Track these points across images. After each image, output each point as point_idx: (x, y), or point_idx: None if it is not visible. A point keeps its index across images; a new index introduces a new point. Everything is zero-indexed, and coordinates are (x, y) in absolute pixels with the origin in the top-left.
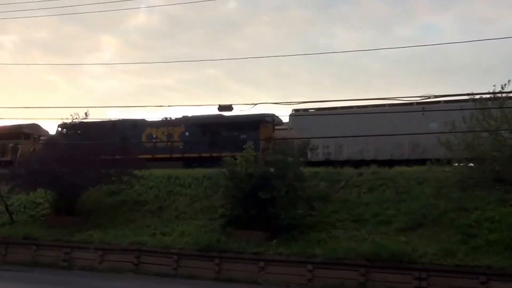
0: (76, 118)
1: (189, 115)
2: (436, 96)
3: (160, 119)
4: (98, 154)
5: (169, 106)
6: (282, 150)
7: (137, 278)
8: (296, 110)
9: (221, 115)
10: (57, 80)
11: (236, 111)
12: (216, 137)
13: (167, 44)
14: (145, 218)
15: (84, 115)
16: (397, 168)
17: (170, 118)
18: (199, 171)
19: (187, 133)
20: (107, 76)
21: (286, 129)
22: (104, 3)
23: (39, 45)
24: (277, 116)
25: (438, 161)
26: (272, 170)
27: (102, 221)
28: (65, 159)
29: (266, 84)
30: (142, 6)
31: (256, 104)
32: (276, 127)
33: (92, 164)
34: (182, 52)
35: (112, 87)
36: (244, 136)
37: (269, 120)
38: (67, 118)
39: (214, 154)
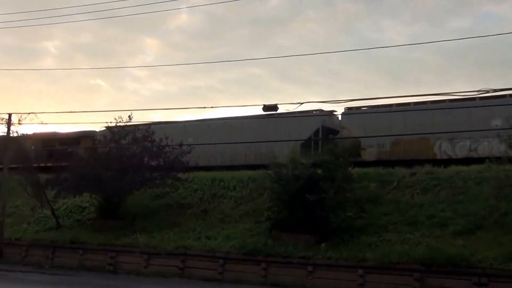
0: (120, 122)
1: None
2: (495, 90)
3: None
4: (141, 157)
5: (212, 107)
6: (330, 150)
7: (183, 282)
8: (349, 108)
9: (55, 133)
10: (101, 84)
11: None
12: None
13: (210, 44)
14: (190, 221)
15: (128, 119)
16: (453, 168)
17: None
18: (243, 173)
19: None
20: (150, 79)
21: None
22: (145, 5)
23: (82, 50)
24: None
25: (498, 159)
26: (319, 171)
27: (147, 224)
28: (109, 163)
29: (313, 82)
30: (184, 7)
31: (301, 103)
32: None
33: (136, 167)
34: (225, 51)
35: (156, 89)
36: (70, 148)
37: (89, 135)
38: (111, 122)
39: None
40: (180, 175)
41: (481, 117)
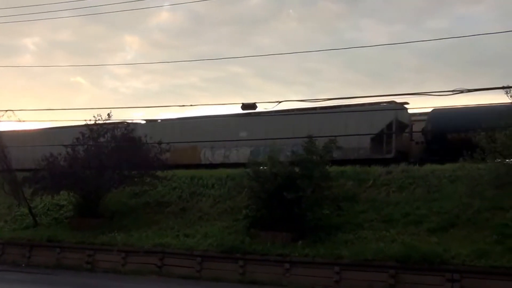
0: (99, 120)
1: None
2: (469, 90)
3: None
4: (120, 155)
5: (191, 105)
6: (307, 149)
7: (160, 280)
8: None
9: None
10: (81, 81)
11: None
12: None
13: (191, 42)
14: (168, 219)
15: (107, 116)
16: (428, 166)
17: None
18: (222, 171)
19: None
20: (131, 76)
21: None
22: (126, 3)
23: (62, 47)
24: None
25: (471, 158)
26: (297, 169)
27: (125, 223)
28: (87, 161)
29: (293, 81)
30: (165, 4)
31: (280, 102)
32: None
33: (115, 165)
34: (206, 50)
35: (136, 87)
36: None
37: None
38: (90, 120)
39: None
40: (159, 173)
41: (234, 129)
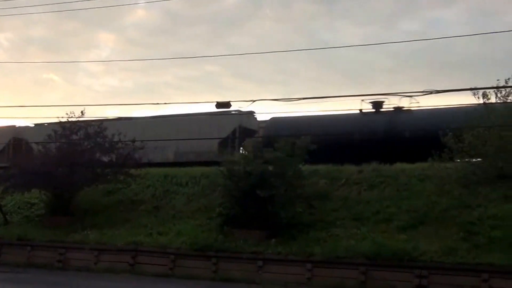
0: (72, 117)
1: None
2: (438, 91)
3: None
4: (93, 153)
5: (165, 103)
6: (281, 147)
7: (133, 278)
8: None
9: None
10: (55, 78)
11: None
12: None
13: (166, 40)
14: (142, 217)
15: (81, 114)
16: (399, 165)
17: None
18: (196, 170)
19: None
20: (105, 74)
21: None
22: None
23: (35, 43)
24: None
25: (440, 157)
26: (270, 168)
27: (98, 221)
28: (59, 159)
29: (269, 80)
30: (141, 2)
31: (254, 101)
32: None
33: (87, 163)
34: (182, 48)
35: (110, 84)
36: None
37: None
38: (62, 117)
39: None
40: (132, 171)
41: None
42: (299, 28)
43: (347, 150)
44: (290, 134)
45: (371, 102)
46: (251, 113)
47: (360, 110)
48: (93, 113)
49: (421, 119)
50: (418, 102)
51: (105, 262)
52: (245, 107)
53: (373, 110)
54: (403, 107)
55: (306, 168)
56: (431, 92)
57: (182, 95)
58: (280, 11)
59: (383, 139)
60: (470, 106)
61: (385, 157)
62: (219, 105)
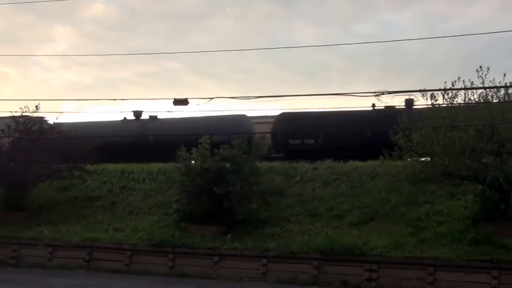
0: (26, 112)
1: None
2: (389, 92)
3: None
4: (48, 148)
5: (122, 99)
6: (238, 145)
7: (88, 274)
8: None
9: None
10: (9, 71)
11: (192, 105)
12: None
13: (126, 36)
14: (98, 213)
15: (35, 108)
16: (351, 163)
17: None
18: (153, 166)
19: None
20: (62, 68)
21: None
22: None
23: None
24: None
25: (390, 156)
26: (227, 165)
27: (52, 217)
28: (13, 154)
29: (227, 78)
30: None
31: (212, 98)
32: None
33: (42, 159)
34: (141, 44)
35: (67, 79)
36: None
37: None
38: (16, 112)
39: None
40: (88, 167)
41: None
42: (258, 27)
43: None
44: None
45: None
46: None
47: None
48: (48, 108)
49: (165, 126)
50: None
51: (60, 258)
52: (202, 105)
53: None
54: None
55: (262, 165)
56: (382, 93)
57: (140, 91)
58: (240, 9)
59: (135, 142)
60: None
61: (137, 157)
62: (176, 102)
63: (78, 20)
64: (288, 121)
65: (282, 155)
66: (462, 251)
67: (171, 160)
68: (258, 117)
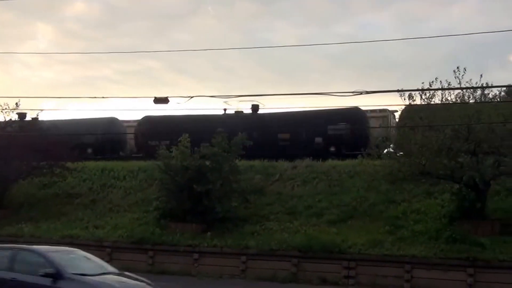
0: (5, 109)
1: None
2: (367, 92)
3: None
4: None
5: (103, 97)
6: (218, 143)
7: None
8: None
9: None
10: None
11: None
12: None
13: (107, 34)
14: (78, 211)
15: (15, 106)
16: (330, 162)
17: None
18: (134, 164)
19: None
20: (42, 66)
21: None
22: None
23: None
24: None
25: (369, 156)
26: (207, 163)
27: (33, 214)
28: None
29: (208, 77)
30: None
31: (192, 97)
32: None
33: (23, 156)
34: (122, 43)
35: (47, 77)
36: None
37: None
38: None
39: None
40: (69, 164)
41: None
42: (240, 26)
43: None
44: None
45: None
46: None
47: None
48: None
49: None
50: None
51: None
52: (183, 103)
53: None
54: None
55: (241, 163)
56: (361, 93)
57: (120, 89)
58: (221, 9)
59: None
60: None
61: None
62: (157, 100)
63: (60, 18)
64: (149, 123)
65: (141, 154)
66: (439, 249)
67: None
68: (127, 121)
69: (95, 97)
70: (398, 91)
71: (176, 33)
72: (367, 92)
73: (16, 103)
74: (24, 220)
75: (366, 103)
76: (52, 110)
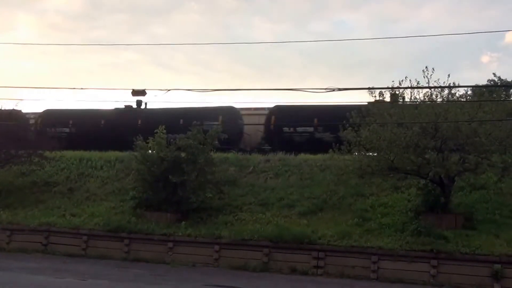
0: None
1: None
2: (340, 89)
3: None
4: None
5: (82, 88)
6: (194, 135)
7: (45, 258)
8: None
9: None
10: None
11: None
12: None
13: (87, 26)
14: (55, 199)
15: None
16: (302, 156)
17: None
18: (111, 154)
19: None
20: (22, 57)
21: None
22: None
23: None
24: None
25: (339, 150)
26: (183, 154)
27: (11, 201)
28: None
29: (186, 70)
30: None
31: (169, 90)
32: None
33: (1, 144)
34: (102, 35)
35: (27, 67)
36: None
37: None
38: None
39: None
40: (47, 153)
41: None
42: (219, 21)
43: None
44: None
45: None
46: None
47: None
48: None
49: None
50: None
51: (18, 242)
52: (160, 96)
53: None
54: None
55: (216, 155)
56: (333, 90)
57: (99, 81)
58: (205, 4)
59: None
60: None
61: None
62: (135, 92)
63: (41, 9)
64: (52, 115)
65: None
66: (405, 241)
67: None
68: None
69: (74, 88)
70: (368, 88)
71: (156, 27)
72: (339, 89)
73: None
74: (2, 207)
75: (339, 100)
76: (30, 100)
